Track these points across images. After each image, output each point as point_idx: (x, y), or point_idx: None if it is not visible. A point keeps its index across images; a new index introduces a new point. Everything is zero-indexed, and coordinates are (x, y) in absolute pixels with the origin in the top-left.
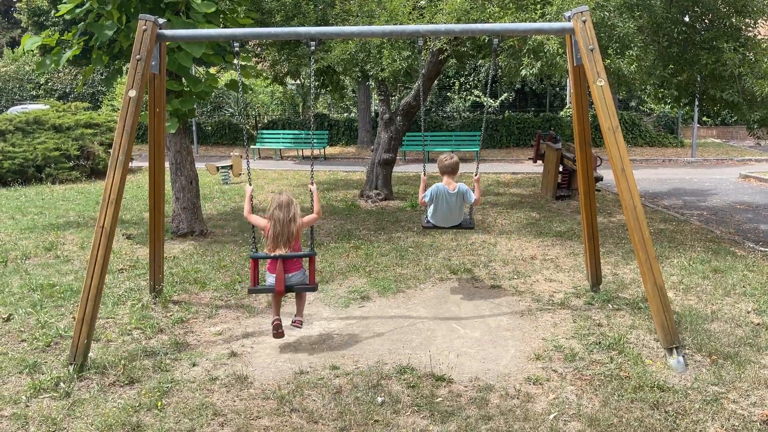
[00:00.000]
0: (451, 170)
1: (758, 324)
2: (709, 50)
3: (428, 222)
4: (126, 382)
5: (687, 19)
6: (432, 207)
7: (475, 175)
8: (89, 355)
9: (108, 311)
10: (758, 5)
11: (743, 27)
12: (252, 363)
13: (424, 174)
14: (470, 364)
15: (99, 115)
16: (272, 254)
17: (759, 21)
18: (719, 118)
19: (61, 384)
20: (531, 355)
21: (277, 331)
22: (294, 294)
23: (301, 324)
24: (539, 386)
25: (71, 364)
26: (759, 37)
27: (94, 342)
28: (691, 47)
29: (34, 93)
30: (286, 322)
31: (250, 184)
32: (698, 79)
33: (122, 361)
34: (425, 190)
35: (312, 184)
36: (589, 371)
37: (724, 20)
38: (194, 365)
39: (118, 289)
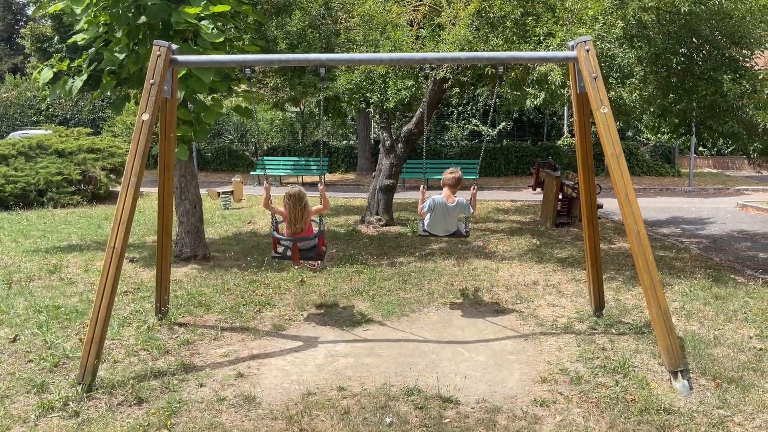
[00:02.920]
0: (452, 184)
1: (761, 349)
2: (707, 80)
3: (424, 230)
4: (134, 401)
5: (685, 50)
6: (429, 217)
7: (473, 188)
8: (97, 375)
9: (114, 333)
10: (755, 37)
11: (741, 58)
12: (259, 384)
13: (424, 186)
14: (476, 386)
15: (101, 140)
16: (288, 237)
17: (756, 52)
18: (715, 148)
19: (70, 403)
20: (537, 378)
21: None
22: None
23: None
24: (546, 408)
25: (80, 383)
26: (756, 67)
27: (100, 363)
28: (689, 77)
29: (35, 119)
30: None
31: (267, 182)
32: (695, 108)
33: (131, 381)
34: (423, 202)
35: (321, 183)
36: (595, 394)
37: (723, 51)
38: (201, 386)
39: (123, 311)
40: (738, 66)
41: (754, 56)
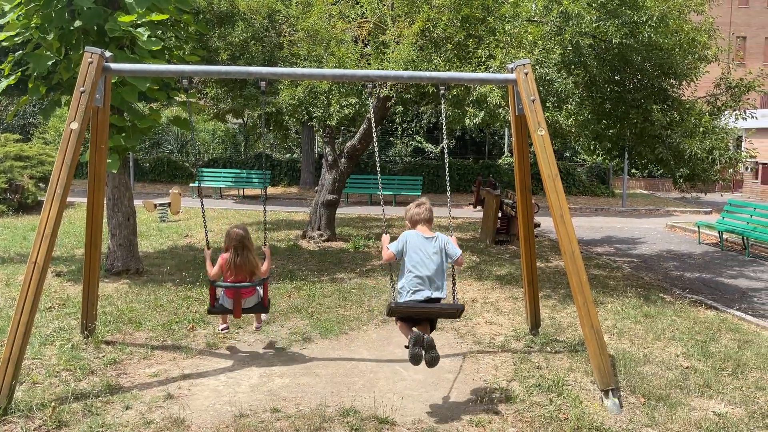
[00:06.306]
0: (429, 218)
1: (687, 367)
2: (638, 108)
3: (396, 303)
4: (54, 426)
5: (618, 78)
6: (403, 265)
7: (450, 234)
8: (14, 397)
9: (34, 351)
10: (682, 69)
11: (669, 87)
12: (189, 405)
13: (386, 233)
14: (413, 406)
15: (30, 147)
16: (232, 284)
17: (683, 83)
18: (646, 171)
19: None
20: (473, 398)
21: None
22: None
23: (261, 324)
24: (481, 428)
25: None
26: (683, 97)
27: (18, 384)
28: (622, 104)
29: None
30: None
31: (209, 247)
32: (628, 134)
33: (51, 404)
34: (389, 242)
35: (265, 246)
36: (530, 413)
37: (653, 81)
38: (128, 408)
39: (45, 329)
40: (667, 95)
41: (681, 87)
